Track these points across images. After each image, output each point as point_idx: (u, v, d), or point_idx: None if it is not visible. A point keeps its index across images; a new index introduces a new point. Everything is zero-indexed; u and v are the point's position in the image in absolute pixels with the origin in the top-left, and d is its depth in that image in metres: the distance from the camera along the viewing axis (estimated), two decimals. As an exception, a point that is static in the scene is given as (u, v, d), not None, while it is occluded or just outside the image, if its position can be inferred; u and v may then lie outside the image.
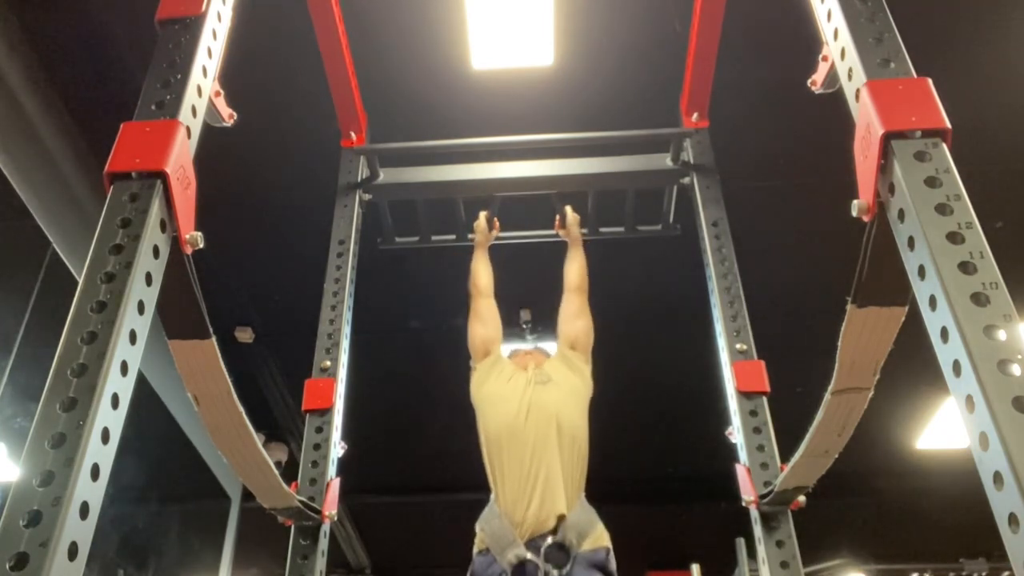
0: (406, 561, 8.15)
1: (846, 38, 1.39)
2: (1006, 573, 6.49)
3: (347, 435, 2.57)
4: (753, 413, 2.44)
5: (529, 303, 4.26)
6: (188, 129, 1.40)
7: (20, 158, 3.14)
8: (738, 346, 2.57)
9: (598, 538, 2.19)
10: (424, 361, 4.97)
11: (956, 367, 1.05)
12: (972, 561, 7.15)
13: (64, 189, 3.32)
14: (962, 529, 6.07)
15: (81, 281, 1.18)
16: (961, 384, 1.03)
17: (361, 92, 3.05)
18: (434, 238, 3.37)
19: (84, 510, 1.01)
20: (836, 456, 1.86)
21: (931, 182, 1.17)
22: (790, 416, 2.24)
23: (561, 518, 2.16)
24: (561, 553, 2.11)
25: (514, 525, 2.17)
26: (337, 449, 2.49)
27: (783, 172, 3.83)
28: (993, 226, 3.53)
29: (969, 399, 1.01)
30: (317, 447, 2.43)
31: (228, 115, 1.71)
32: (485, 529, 2.23)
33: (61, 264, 3.58)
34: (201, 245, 1.36)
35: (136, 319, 1.19)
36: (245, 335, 4.73)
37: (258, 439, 1.72)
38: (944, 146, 1.21)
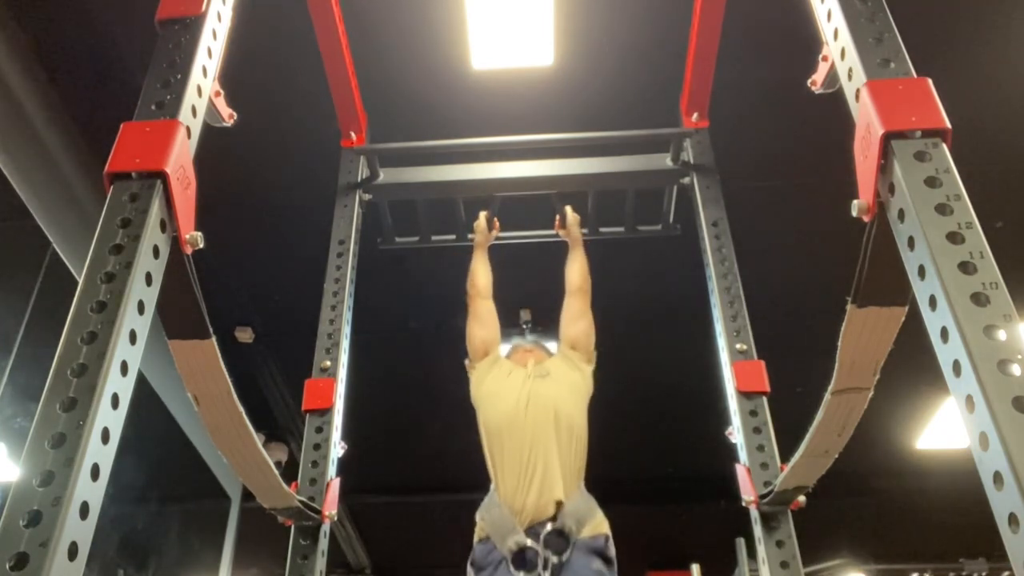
0: (406, 561, 8.15)
1: (846, 38, 1.39)
2: (1006, 573, 6.49)
3: (347, 435, 2.57)
4: (753, 413, 2.44)
5: (529, 303, 4.26)
6: (188, 129, 1.40)
7: (20, 158, 3.14)
8: (738, 346, 2.57)
9: (597, 525, 2.21)
10: (424, 361, 4.97)
11: (956, 367, 1.05)
12: (972, 561, 7.15)
13: (64, 189, 3.32)
14: (962, 529, 6.07)
15: (81, 281, 1.18)
16: (961, 384, 1.03)
17: (361, 92, 3.05)
18: (434, 238, 3.37)
19: (84, 510, 1.01)
20: (836, 456, 1.86)
21: (931, 182, 1.17)
22: (790, 416, 2.24)
23: (559, 505, 2.18)
24: (560, 539, 2.13)
25: (514, 513, 2.19)
26: (337, 449, 2.49)
27: (783, 172, 3.83)
28: (993, 226, 3.53)
29: (969, 399, 1.01)
30: (317, 447, 2.43)
31: (228, 115, 1.71)
32: (485, 518, 2.25)
33: (61, 264, 3.58)
34: (201, 245, 1.36)
35: (136, 319, 1.19)
36: (245, 335, 4.73)
37: (258, 439, 1.72)
38: (944, 146, 1.21)
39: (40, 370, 1.13)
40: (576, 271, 2.73)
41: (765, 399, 2.46)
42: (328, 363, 2.62)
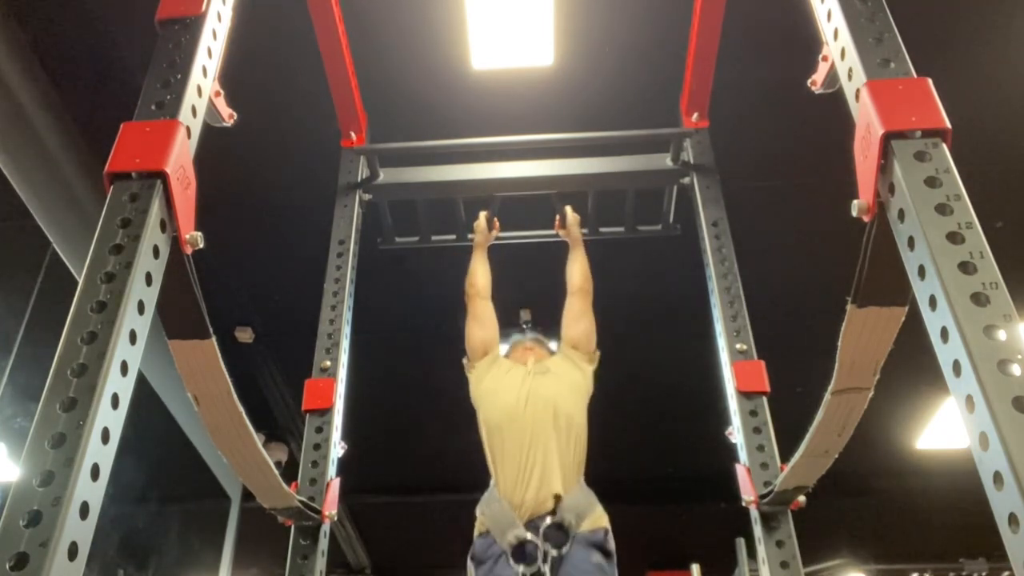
0: (406, 561, 8.16)
1: (846, 38, 1.39)
2: (1006, 573, 6.49)
3: (347, 435, 2.57)
4: (753, 413, 2.44)
5: (529, 303, 4.26)
6: (188, 129, 1.40)
7: (20, 158, 3.14)
8: (738, 346, 2.57)
9: (597, 519, 2.22)
10: (424, 361, 4.96)
11: (956, 367, 1.05)
12: (972, 561, 7.15)
13: (64, 189, 3.32)
14: (962, 529, 6.08)
15: (81, 281, 1.18)
16: (961, 384, 1.03)
17: (361, 92, 3.05)
18: (434, 238, 3.37)
19: (84, 510, 1.01)
20: (836, 456, 1.86)
21: (931, 182, 1.17)
22: (790, 416, 2.24)
23: (557, 498, 2.19)
24: (560, 533, 2.14)
25: (513, 508, 2.20)
26: (337, 449, 2.49)
27: (783, 172, 3.83)
28: (993, 226, 3.53)
29: (969, 399, 1.01)
30: (317, 447, 2.43)
31: (228, 115, 1.71)
32: (485, 512, 2.26)
33: (61, 264, 3.58)
34: (201, 245, 1.36)
35: (136, 319, 1.19)
36: (245, 335, 4.73)
37: (258, 439, 1.72)
38: (944, 146, 1.21)
39: (40, 370, 1.13)
40: (577, 271, 2.73)
41: (765, 399, 2.46)
42: (328, 363, 2.62)
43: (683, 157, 3.08)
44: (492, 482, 2.33)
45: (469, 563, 2.24)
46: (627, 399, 4.80)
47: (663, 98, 3.21)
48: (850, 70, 1.38)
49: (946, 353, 1.07)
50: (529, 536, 2.13)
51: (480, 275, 2.76)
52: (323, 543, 2.31)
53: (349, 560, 7.67)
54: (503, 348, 2.71)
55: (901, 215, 1.19)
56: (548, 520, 2.15)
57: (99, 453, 1.06)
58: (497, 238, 3.02)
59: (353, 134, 3.14)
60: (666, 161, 3.10)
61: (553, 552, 2.10)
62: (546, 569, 2.07)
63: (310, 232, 3.26)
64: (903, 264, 1.20)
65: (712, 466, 3.77)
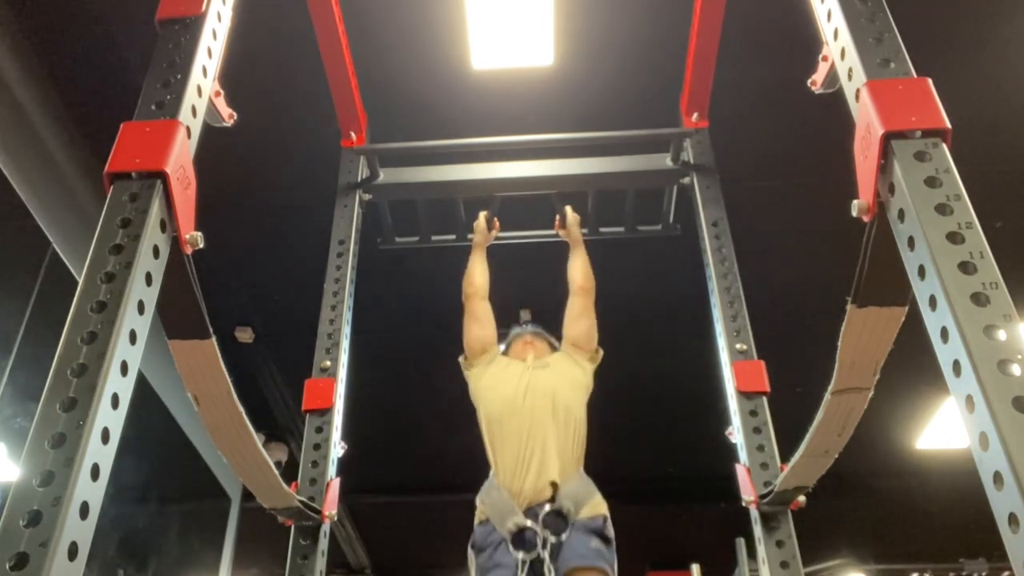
0: (406, 561, 8.16)
1: (846, 38, 1.39)
2: (1006, 573, 6.49)
3: (347, 435, 2.57)
4: (753, 413, 2.44)
5: (529, 303, 4.26)
6: (188, 129, 1.40)
7: (20, 158, 3.14)
8: (738, 346, 2.57)
9: (596, 506, 2.23)
10: (424, 361, 4.96)
11: (956, 367, 1.05)
12: (972, 561, 7.15)
13: (64, 189, 3.32)
14: (962, 529, 6.08)
15: (81, 281, 1.18)
16: (961, 384, 1.03)
17: (361, 92, 3.05)
18: (434, 238, 3.37)
19: (84, 510, 1.01)
20: (836, 456, 1.86)
21: (931, 182, 1.17)
22: (790, 416, 2.24)
23: (555, 485, 2.20)
24: (559, 520, 2.16)
25: (512, 496, 2.22)
26: (337, 449, 2.49)
27: (783, 172, 3.83)
28: (993, 226, 3.53)
29: (969, 399, 1.01)
30: (317, 447, 2.43)
31: (228, 115, 1.71)
32: (485, 501, 2.28)
33: (61, 264, 3.58)
34: (201, 245, 1.36)
35: (136, 319, 1.19)
36: (245, 335, 4.73)
37: (258, 439, 1.72)
38: (944, 146, 1.21)
39: (40, 370, 1.13)
40: (578, 271, 2.73)
41: (765, 399, 2.46)
42: (328, 363, 2.62)
43: (683, 157, 3.08)
44: (491, 472, 2.34)
45: (469, 551, 2.25)
46: (627, 399, 4.79)
47: (663, 98, 3.21)
48: (850, 70, 1.38)
49: (946, 353, 1.07)
50: (528, 523, 2.14)
51: (479, 275, 2.76)
52: (323, 543, 2.31)
53: (349, 560, 7.67)
54: (501, 344, 2.71)
55: (901, 215, 1.19)
56: (547, 507, 2.17)
57: (99, 453, 1.06)
58: (497, 238, 3.02)
59: (353, 134, 3.14)
60: (666, 161, 3.10)
61: (552, 538, 2.11)
62: (545, 555, 2.08)
63: (310, 232, 3.25)
64: (903, 264, 1.20)
65: (712, 466, 3.77)
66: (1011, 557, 0.95)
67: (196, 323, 1.44)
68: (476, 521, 2.28)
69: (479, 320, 2.64)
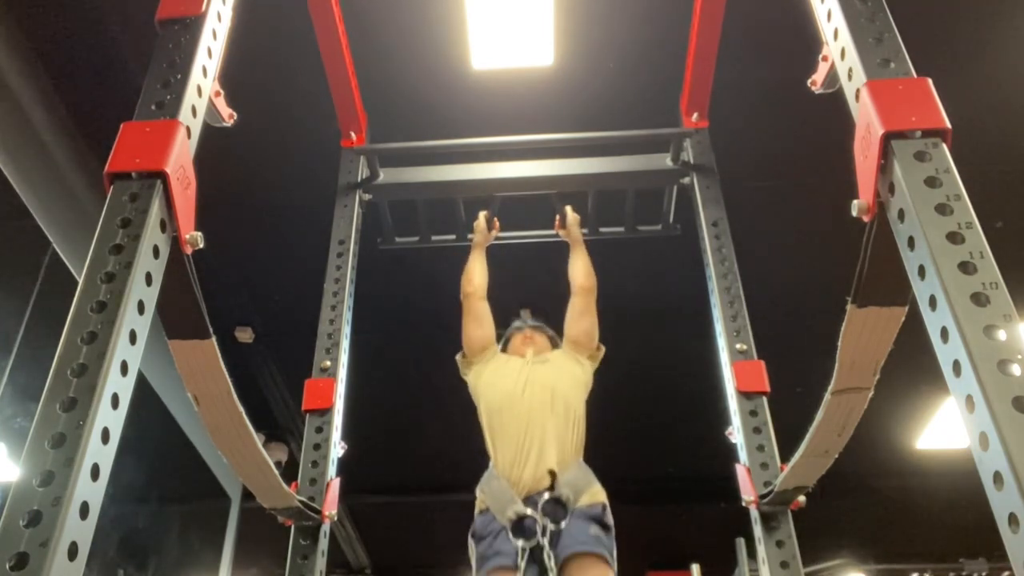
0: (406, 561, 8.15)
1: (846, 38, 1.39)
2: (1006, 573, 6.49)
3: (347, 435, 2.57)
4: (753, 413, 2.44)
5: (529, 303, 4.26)
6: (188, 129, 1.40)
7: (20, 158, 3.14)
8: (738, 346, 2.57)
9: (595, 494, 2.24)
10: (424, 361, 4.96)
11: (956, 367, 1.05)
12: (972, 561, 7.14)
13: (64, 189, 3.32)
14: (962, 529, 6.08)
15: (81, 281, 1.18)
16: (961, 384, 1.03)
17: (361, 92, 3.05)
18: (434, 238, 3.37)
19: (84, 510, 1.01)
20: (836, 456, 1.86)
21: (931, 182, 1.17)
22: (790, 416, 2.24)
23: (553, 474, 2.21)
24: (558, 508, 2.17)
25: (512, 484, 2.23)
26: (337, 449, 2.49)
27: (783, 172, 3.83)
28: (993, 226, 3.53)
29: (969, 399, 1.01)
30: (317, 447, 2.43)
31: (228, 115, 1.71)
32: (485, 490, 2.29)
33: (61, 264, 3.58)
34: (201, 245, 1.36)
35: (136, 319, 1.19)
36: (245, 335, 4.73)
37: (258, 439, 1.72)
38: (944, 146, 1.21)
39: (40, 370, 1.13)
40: (579, 270, 2.73)
41: (765, 399, 2.46)
42: (328, 363, 2.62)
43: (683, 157, 3.08)
44: (491, 463, 2.35)
45: (470, 540, 2.26)
46: (627, 399, 4.79)
47: (663, 98, 3.21)
48: (850, 70, 1.38)
49: (946, 353, 1.07)
50: (528, 511, 2.15)
51: (478, 274, 2.76)
52: (323, 543, 2.31)
53: (349, 560, 7.67)
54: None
55: (901, 215, 1.19)
56: (546, 495, 2.18)
57: (99, 453, 1.06)
58: (497, 238, 3.02)
59: (353, 134, 3.14)
60: (666, 161, 3.10)
61: (551, 526, 2.12)
62: (545, 542, 2.09)
63: (310, 232, 3.25)
64: (903, 264, 1.20)
65: (712, 466, 3.77)
66: (1011, 557, 0.95)
67: (196, 323, 1.44)
68: (476, 511, 2.29)
69: (478, 319, 2.65)
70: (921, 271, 1.14)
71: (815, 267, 3.89)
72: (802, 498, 2.20)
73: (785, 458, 2.19)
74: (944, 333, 1.08)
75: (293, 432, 5.58)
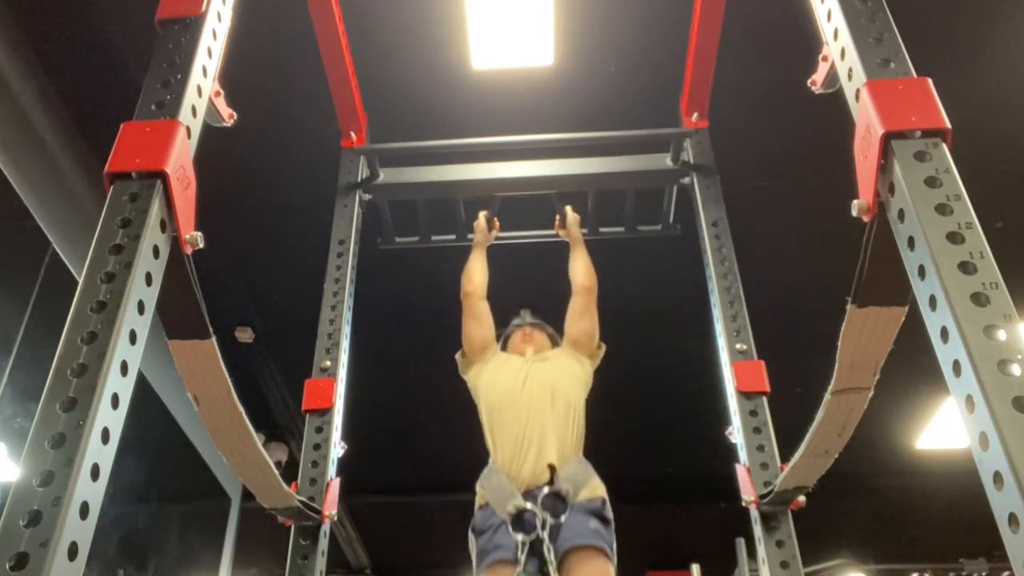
0: (406, 561, 8.15)
1: (846, 38, 1.39)
2: (1006, 573, 6.48)
3: (347, 435, 2.57)
4: (753, 413, 2.44)
5: (529, 303, 4.26)
6: (188, 129, 1.40)
7: (20, 158, 3.14)
8: (738, 346, 2.57)
9: (594, 488, 2.25)
10: (424, 361, 4.96)
11: (956, 367, 1.05)
12: (972, 561, 7.14)
13: (64, 189, 3.32)
14: (962, 529, 6.07)
15: (81, 281, 1.18)
16: (961, 384, 1.03)
17: (361, 92, 3.05)
18: (434, 238, 3.37)
19: (84, 510, 1.01)
20: (836, 456, 1.86)
21: (931, 182, 1.17)
22: (790, 416, 2.24)
23: (552, 468, 2.22)
24: (558, 502, 2.17)
25: (511, 479, 2.23)
26: (337, 449, 2.49)
27: (783, 172, 3.83)
28: (993, 226, 3.53)
29: (969, 399, 1.01)
30: (317, 447, 2.43)
31: (228, 115, 1.71)
32: (484, 486, 2.29)
33: (61, 264, 3.58)
34: (201, 245, 1.36)
35: (136, 319, 1.19)
36: (245, 335, 4.73)
37: (258, 439, 1.72)
38: (944, 146, 1.21)
39: (40, 370, 1.13)
40: (579, 269, 2.73)
41: (765, 399, 2.46)
42: (328, 363, 2.62)
43: (683, 157, 3.08)
44: (491, 459, 2.36)
45: (470, 534, 2.27)
46: (627, 399, 4.80)
47: (663, 98, 3.21)
48: (850, 70, 1.38)
49: (946, 353, 1.07)
50: (528, 505, 2.15)
51: (478, 274, 2.76)
52: (323, 543, 2.31)
53: (349, 560, 7.67)
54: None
55: (901, 215, 1.19)
56: (546, 490, 2.18)
57: (99, 453, 1.06)
58: (497, 238, 3.02)
59: (353, 134, 3.14)
60: (666, 161, 3.10)
61: (551, 520, 2.13)
62: (544, 536, 2.10)
63: (310, 232, 3.26)
64: (903, 264, 1.20)
65: (712, 466, 3.76)
66: (1011, 557, 0.95)
67: (196, 323, 1.44)
68: (476, 505, 2.30)
69: (478, 319, 2.65)
70: (921, 271, 1.14)
71: (815, 267, 3.89)
72: (802, 498, 2.21)
73: (785, 458, 2.19)
74: (944, 333, 1.08)
75: (293, 432, 5.58)
